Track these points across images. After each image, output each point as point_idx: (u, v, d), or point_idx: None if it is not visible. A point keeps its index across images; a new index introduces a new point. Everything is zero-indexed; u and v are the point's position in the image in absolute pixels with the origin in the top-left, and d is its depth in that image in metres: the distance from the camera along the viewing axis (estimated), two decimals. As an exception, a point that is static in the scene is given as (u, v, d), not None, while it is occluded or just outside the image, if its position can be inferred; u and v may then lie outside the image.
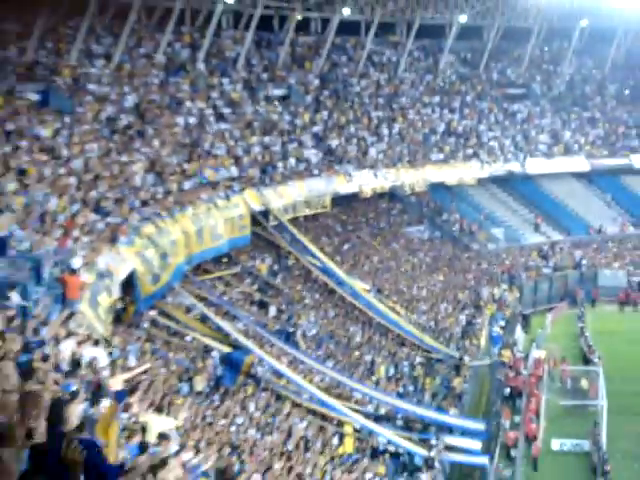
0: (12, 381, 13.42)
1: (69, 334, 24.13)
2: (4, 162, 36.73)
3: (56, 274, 30.38)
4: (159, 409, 29.00)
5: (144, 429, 19.48)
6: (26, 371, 14.46)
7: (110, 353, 27.07)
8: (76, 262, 32.58)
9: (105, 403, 19.48)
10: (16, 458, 5.65)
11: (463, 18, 68.35)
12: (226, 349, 40.36)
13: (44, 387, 14.62)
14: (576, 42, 73.99)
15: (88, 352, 23.15)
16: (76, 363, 21.29)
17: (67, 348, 21.94)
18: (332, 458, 37.81)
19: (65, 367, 20.19)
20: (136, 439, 17.36)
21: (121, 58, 51.79)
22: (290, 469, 34.52)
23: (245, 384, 39.83)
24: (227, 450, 32.92)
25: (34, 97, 44.20)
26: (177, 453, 18.46)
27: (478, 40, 71.92)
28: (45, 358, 19.00)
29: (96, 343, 25.85)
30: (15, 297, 24.09)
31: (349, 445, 39.26)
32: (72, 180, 39.65)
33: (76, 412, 12.30)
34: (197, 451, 30.22)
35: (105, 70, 50.80)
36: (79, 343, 23.51)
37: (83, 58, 50.08)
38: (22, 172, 36.61)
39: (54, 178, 38.68)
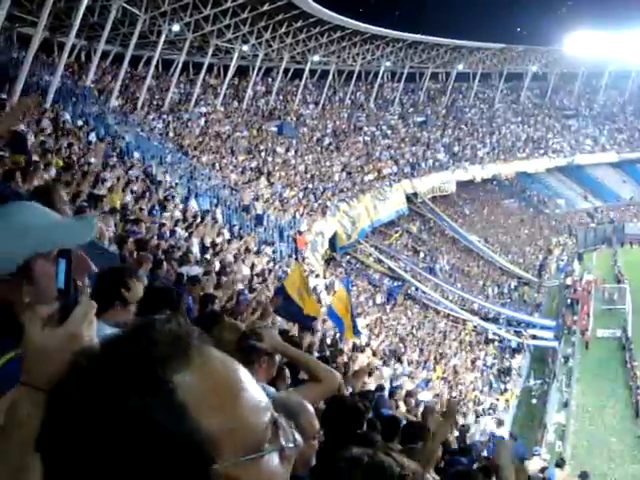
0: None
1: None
2: (259, 168, 37.74)
3: (292, 235, 31.30)
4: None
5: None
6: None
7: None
8: (302, 227, 33.45)
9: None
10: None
11: (534, 68, 66.62)
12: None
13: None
14: (606, 79, 71.06)
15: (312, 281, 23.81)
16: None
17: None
18: (461, 342, 37.87)
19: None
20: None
21: (323, 103, 52.19)
22: (437, 350, 34.74)
23: (405, 299, 40.16)
24: (394, 338, 33.33)
25: (274, 129, 45.02)
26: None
27: (544, 81, 69.79)
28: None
29: (317, 276, 26.56)
30: (269, 250, 25.05)
31: (470, 335, 39.28)
32: (298, 178, 40.44)
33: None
34: (377, 337, 30.74)
35: (315, 110, 51.28)
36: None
37: (301, 103, 50.67)
38: (269, 174, 37.56)
39: (287, 177, 39.54)
